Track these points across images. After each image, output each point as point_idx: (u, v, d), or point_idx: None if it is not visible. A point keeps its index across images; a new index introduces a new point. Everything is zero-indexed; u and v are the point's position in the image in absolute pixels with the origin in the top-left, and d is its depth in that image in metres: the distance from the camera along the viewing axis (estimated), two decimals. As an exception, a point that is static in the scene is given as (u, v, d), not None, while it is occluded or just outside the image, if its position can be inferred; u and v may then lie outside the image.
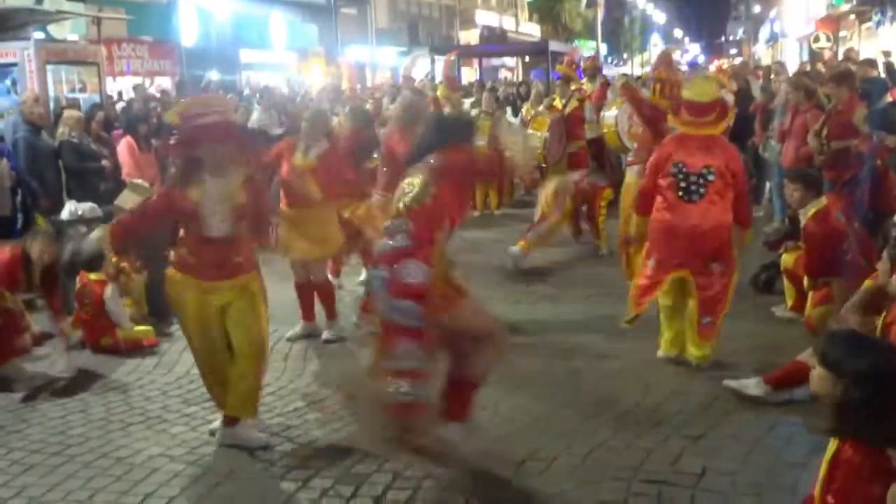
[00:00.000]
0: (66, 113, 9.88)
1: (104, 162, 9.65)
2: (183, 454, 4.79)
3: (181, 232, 4.86)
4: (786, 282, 6.91)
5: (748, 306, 6.67)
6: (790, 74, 11.92)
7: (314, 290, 7.02)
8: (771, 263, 7.48)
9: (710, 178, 5.62)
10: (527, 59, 34.54)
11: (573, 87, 10.46)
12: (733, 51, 69.56)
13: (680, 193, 5.66)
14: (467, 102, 13.53)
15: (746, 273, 7.62)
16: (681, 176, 5.66)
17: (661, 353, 5.99)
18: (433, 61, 21.77)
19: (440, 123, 4.86)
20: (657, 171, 5.78)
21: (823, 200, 6.11)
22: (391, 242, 4.15)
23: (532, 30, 48.75)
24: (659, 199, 5.77)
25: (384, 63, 35.05)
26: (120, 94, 16.97)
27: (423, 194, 4.19)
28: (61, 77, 13.14)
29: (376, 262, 4.21)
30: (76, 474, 4.58)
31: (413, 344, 4.05)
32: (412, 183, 4.27)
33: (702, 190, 5.62)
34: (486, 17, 43.95)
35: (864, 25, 27.06)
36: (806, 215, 6.10)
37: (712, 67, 15.34)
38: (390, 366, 4.07)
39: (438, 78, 14.72)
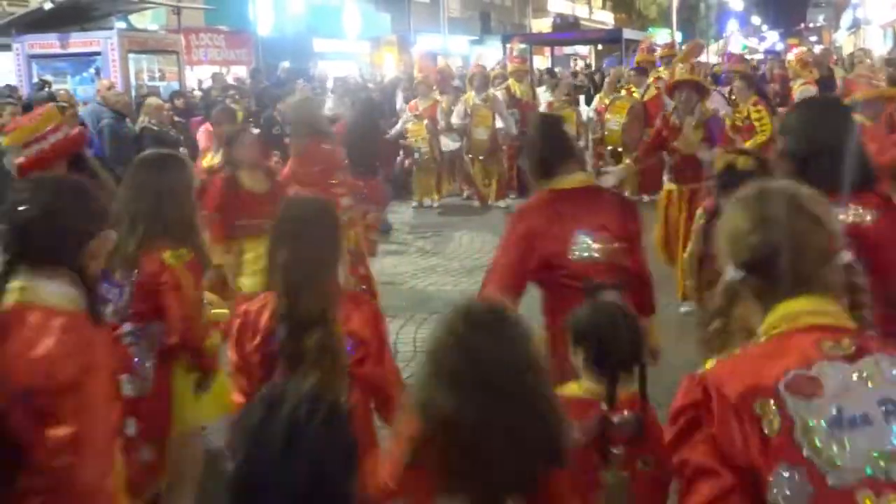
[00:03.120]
0: (148, 101, 10.12)
1: (182, 149, 9.85)
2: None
3: None
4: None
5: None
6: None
7: None
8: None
9: None
10: (599, 47, 34.17)
11: (653, 77, 10.37)
12: (813, 38, 67.75)
13: None
14: (542, 91, 13.45)
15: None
16: None
17: None
18: (505, 50, 21.67)
19: None
20: None
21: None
22: None
23: (605, 17, 48.21)
24: None
25: (456, 51, 35.03)
26: (200, 82, 17.30)
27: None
28: (142, 66, 13.46)
29: None
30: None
31: None
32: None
33: None
34: (558, 5, 43.54)
35: (953, 11, 26.07)
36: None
37: (791, 56, 14.93)
38: None
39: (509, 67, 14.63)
